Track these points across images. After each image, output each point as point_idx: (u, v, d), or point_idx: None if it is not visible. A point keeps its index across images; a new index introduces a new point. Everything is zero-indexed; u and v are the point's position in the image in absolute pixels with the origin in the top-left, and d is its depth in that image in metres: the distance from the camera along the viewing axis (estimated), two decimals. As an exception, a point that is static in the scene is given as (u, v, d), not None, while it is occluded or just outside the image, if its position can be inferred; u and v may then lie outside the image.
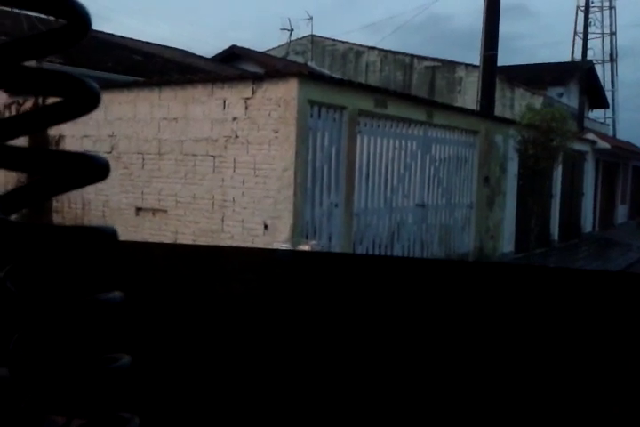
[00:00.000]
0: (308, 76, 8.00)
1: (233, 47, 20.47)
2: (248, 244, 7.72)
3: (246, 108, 7.86)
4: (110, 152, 9.10)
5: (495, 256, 12.77)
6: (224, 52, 20.33)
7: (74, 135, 9.65)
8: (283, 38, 26.32)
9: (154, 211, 9.00)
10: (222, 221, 8.14)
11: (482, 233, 12.41)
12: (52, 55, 0.99)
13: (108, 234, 0.96)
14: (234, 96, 7.95)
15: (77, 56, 10.87)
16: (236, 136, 7.95)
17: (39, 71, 0.91)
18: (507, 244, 13.61)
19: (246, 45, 21.44)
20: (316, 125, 7.97)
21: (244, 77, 8.02)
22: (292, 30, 24.98)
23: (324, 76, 9.89)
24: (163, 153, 8.63)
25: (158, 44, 17.47)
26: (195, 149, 8.35)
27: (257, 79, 7.83)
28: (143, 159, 8.88)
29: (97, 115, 9.28)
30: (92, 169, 0.93)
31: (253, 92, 7.81)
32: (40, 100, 10.14)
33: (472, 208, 11.96)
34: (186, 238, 8.41)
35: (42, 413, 0.98)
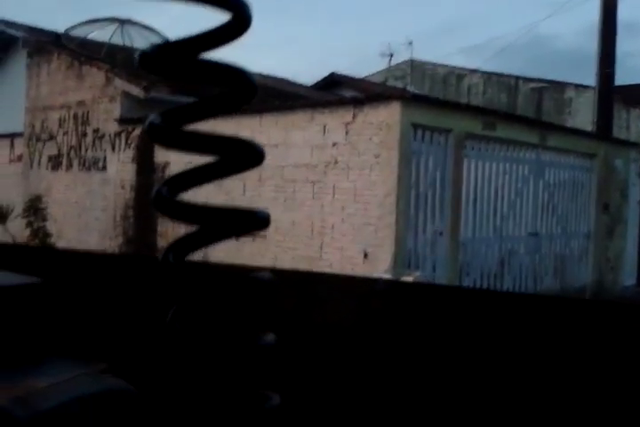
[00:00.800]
0: (411, 98, 7.62)
1: (332, 74, 20.51)
2: (347, 272, 7.34)
3: (347, 132, 7.58)
4: (212, 179, 9.12)
5: (616, 290, 11.62)
6: (324, 79, 20.41)
7: (178, 162, 9.79)
8: (381, 64, 26.16)
9: (254, 236, 8.85)
10: (321, 248, 7.84)
11: (601, 264, 11.34)
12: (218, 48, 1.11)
13: (264, 282, 1.13)
14: (334, 121, 7.71)
15: (184, 85, 11.14)
16: (336, 162, 7.68)
17: (211, 63, 1.09)
18: (628, 276, 12.37)
19: (345, 72, 21.26)
20: (419, 149, 7.54)
21: (344, 102, 7.78)
22: (391, 55, 24.80)
23: (428, 98, 9.47)
24: (263, 179, 8.51)
25: (260, 74, 17.80)
26: (294, 175, 8.16)
27: (358, 103, 7.55)
28: (244, 185, 8.80)
29: (200, 142, 9.35)
30: (255, 222, 1.17)
31: (354, 117, 7.52)
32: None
33: (590, 237, 10.96)
34: (285, 265, 8.18)
35: None
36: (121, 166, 10.92)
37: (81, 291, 3.91)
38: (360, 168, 7.45)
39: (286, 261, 8.17)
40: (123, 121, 10.95)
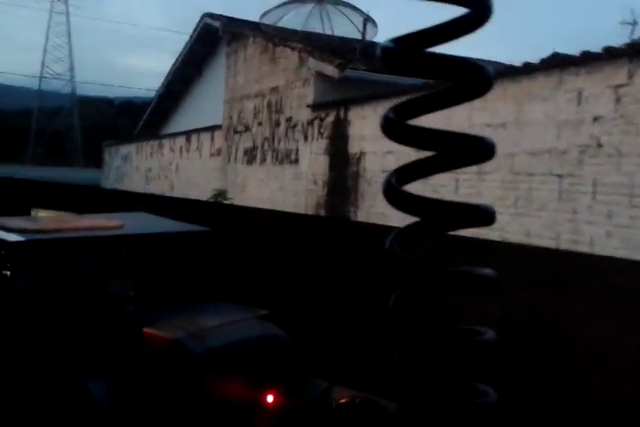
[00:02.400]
0: None
1: (556, 54, 17.10)
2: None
3: (617, 101, 5.03)
4: (416, 172, 7.12)
5: None
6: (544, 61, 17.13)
7: (375, 152, 7.95)
8: (621, 36, 21.76)
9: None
10: (570, 271, 5.38)
11: None
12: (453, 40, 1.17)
13: (488, 279, 1.17)
14: (596, 85, 5.19)
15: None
16: (599, 145, 5.16)
17: (440, 57, 1.17)
18: None
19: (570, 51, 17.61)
20: None
21: (613, 54, 5.18)
22: (634, 23, 20.38)
23: None
24: (483, 172, 6.26)
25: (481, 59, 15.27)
26: (530, 166, 5.79)
27: (636, 55, 4.95)
28: (457, 181, 6.63)
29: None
30: (478, 216, 1.23)
31: (630, 76, 4.94)
32: (341, 114, 8.73)
33: None
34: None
35: None
36: (313, 159, 9.42)
37: (251, 243, 4.03)
38: (639, 154, 4.87)
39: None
40: (316, 107, 9.44)
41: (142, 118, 23.55)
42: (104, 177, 26.42)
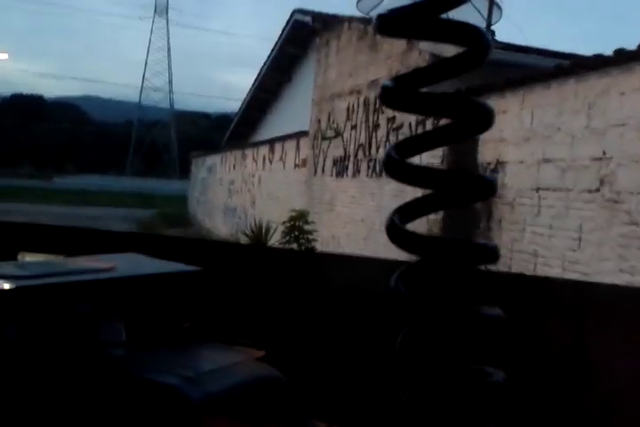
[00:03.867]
0: None
1: None
2: None
3: None
4: (598, 190, 4.49)
5: None
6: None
7: (523, 160, 5.39)
8: None
9: None
10: None
11: None
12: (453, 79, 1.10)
13: (491, 250, 1.22)
14: None
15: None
16: None
17: (435, 95, 1.18)
18: None
19: None
20: None
21: None
22: None
23: None
24: None
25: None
26: None
27: None
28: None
29: (575, 123, 4.81)
30: (481, 187, 1.21)
31: None
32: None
33: None
34: None
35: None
36: None
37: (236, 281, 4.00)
38: None
39: None
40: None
41: (229, 128, 22.05)
42: (190, 189, 25.11)
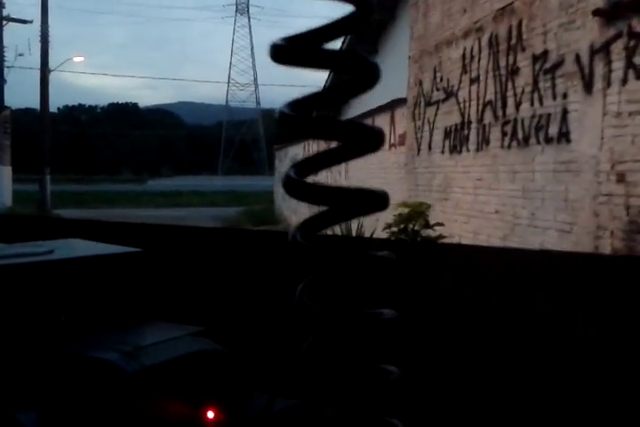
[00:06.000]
0: None
1: None
2: None
3: None
4: None
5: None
6: None
7: None
8: None
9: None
10: None
11: None
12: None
13: (388, 260, 1.18)
14: None
15: None
16: None
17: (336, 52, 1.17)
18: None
19: None
20: None
21: None
22: None
23: None
24: None
25: None
26: None
27: None
28: None
29: None
30: (374, 201, 1.17)
31: None
32: None
33: None
34: None
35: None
36: (613, 127, 4.09)
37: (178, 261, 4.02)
38: None
39: None
40: (612, 12, 4.12)
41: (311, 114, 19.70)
42: (276, 183, 23.06)
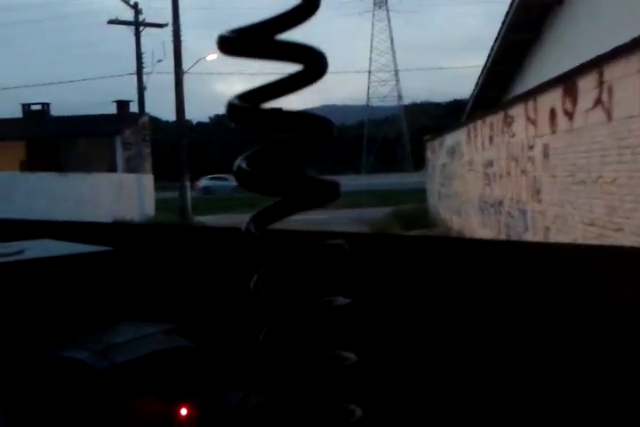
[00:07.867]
0: None
1: None
2: None
3: None
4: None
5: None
6: None
7: None
8: None
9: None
10: None
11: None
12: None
13: (340, 248, 1.15)
14: None
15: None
16: None
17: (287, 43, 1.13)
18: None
19: None
20: None
21: None
22: None
23: None
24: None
25: None
26: None
27: None
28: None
29: None
30: (326, 192, 1.14)
31: None
32: None
33: None
34: None
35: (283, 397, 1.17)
36: None
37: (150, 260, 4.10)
38: None
39: None
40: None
41: (471, 95, 16.28)
42: (428, 180, 19.84)
